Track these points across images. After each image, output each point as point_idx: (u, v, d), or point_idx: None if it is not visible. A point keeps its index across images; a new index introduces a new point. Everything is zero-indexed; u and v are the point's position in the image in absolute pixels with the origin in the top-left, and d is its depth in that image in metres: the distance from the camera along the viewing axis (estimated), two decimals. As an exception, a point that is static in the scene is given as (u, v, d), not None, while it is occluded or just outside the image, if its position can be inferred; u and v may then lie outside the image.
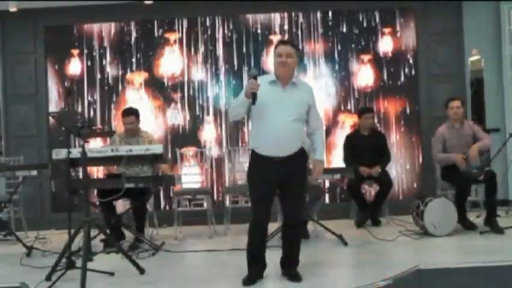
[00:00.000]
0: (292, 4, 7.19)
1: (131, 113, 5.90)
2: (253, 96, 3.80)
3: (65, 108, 7.17)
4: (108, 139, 6.42)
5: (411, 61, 7.27)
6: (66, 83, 7.27)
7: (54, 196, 7.18)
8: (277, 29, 7.30)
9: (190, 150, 7.15)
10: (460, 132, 5.84)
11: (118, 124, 6.84)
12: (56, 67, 7.33)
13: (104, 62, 7.32)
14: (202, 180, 7.02)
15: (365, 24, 7.30)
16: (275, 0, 7.13)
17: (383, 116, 7.25)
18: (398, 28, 7.30)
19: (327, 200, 7.09)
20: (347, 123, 7.22)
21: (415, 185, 7.23)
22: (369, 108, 6.77)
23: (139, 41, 7.32)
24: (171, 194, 6.72)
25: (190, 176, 6.98)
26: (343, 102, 7.27)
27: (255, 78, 3.83)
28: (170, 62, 7.31)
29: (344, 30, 7.31)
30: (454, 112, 5.83)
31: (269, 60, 7.06)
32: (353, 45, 7.30)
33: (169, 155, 6.96)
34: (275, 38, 7.21)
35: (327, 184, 6.67)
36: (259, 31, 7.30)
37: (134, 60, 7.31)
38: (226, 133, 7.25)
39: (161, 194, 7.17)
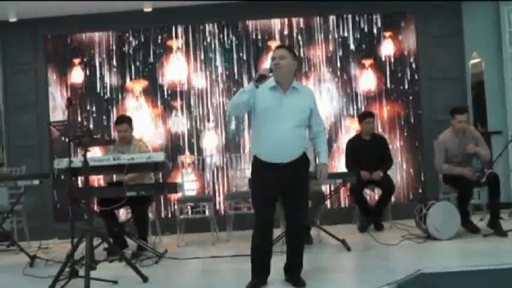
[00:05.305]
0: (293, 9, 7.19)
1: (124, 121, 5.88)
2: (260, 78, 3.75)
3: (66, 117, 7.17)
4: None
5: (412, 65, 7.27)
6: (67, 93, 7.28)
7: (57, 205, 7.18)
8: (277, 35, 7.30)
9: (191, 158, 7.15)
10: (462, 140, 5.78)
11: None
12: (57, 76, 7.35)
13: (104, 71, 7.33)
14: (204, 187, 7.01)
15: (365, 29, 7.31)
16: (276, 0, 7.12)
17: (385, 120, 7.25)
18: (398, 32, 7.31)
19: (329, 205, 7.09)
20: (351, 128, 7.20)
21: (417, 189, 7.21)
22: (370, 113, 6.75)
23: (138, 49, 7.34)
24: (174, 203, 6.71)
25: (192, 183, 6.97)
26: (345, 107, 7.27)
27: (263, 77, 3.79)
28: (170, 69, 7.32)
29: (345, 34, 7.32)
30: (461, 127, 5.75)
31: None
32: (353, 50, 7.31)
33: (171, 163, 6.95)
34: (274, 44, 7.22)
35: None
36: (259, 37, 7.31)
37: (134, 68, 7.33)
38: (228, 140, 7.25)
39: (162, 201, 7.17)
